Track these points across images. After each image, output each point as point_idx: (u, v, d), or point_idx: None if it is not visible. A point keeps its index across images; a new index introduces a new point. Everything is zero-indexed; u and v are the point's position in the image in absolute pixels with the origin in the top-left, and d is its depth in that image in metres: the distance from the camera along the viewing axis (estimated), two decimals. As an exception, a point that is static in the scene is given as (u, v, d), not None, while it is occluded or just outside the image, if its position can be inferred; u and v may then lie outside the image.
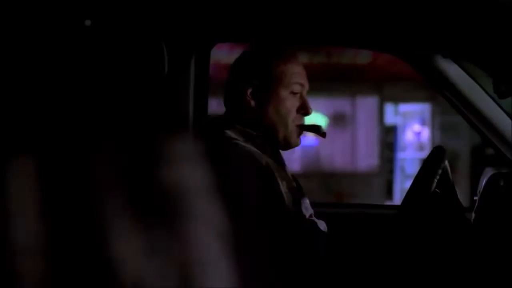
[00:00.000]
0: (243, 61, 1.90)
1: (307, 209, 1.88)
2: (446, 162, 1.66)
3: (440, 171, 1.65)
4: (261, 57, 1.87)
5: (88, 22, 1.29)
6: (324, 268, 1.59)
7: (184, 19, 1.85)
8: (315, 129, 1.92)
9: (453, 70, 2.15)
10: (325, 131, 1.94)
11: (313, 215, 1.89)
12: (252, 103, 1.84)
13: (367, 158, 9.71)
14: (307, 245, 1.69)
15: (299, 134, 1.88)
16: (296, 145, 1.89)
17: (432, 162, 1.69)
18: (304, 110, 1.87)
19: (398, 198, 9.46)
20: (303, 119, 1.88)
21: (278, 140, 1.85)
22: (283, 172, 1.82)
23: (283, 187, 1.76)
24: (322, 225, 1.88)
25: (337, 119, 9.47)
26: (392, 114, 10.35)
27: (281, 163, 1.86)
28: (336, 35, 1.96)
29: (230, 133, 1.80)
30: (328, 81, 8.59)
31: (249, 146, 1.78)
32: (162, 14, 1.75)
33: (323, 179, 9.02)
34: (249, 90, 1.84)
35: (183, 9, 1.73)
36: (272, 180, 1.74)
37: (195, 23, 1.93)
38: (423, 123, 10.20)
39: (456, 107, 2.22)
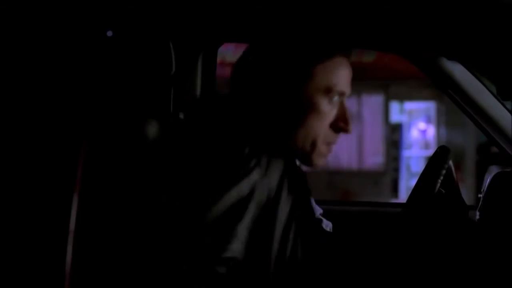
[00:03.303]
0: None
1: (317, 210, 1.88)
2: (450, 162, 1.66)
3: (444, 171, 1.66)
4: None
5: (110, 33, 1.31)
6: (329, 266, 1.59)
7: (191, 18, 1.86)
8: None
9: (457, 70, 2.16)
10: None
11: (321, 215, 1.90)
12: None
13: (372, 156, 9.71)
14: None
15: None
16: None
17: (437, 162, 1.68)
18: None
19: (403, 196, 9.45)
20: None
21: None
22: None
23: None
24: (328, 226, 1.88)
25: (343, 117, 9.45)
26: (398, 112, 10.33)
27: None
28: (342, 36, 1.96)
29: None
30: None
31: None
32: (170, 14, 1.77)
33: (329, 177, 9.02)
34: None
35: (190, 9, 1.74)
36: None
37: (202, 23, 1.94)
38: (428, 121, 10.19)
39: (460, 106, 2.23)
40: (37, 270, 1.23)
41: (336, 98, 1.37)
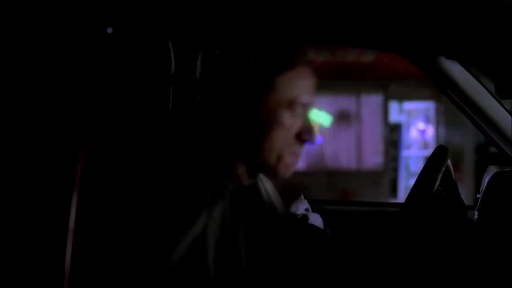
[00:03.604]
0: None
1: (304, 207, 1.89)
2: (449, 162, 1.67)
3: (442, 170, 1.66)
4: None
5: (110, 30, 1.31)
6: (326, 266, 1.59)
7: (191, 19, 1.86)
8: None
9: (456, 70, 2.16)
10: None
11: (308, 210, 1.90)
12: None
13: (371, 156, 9.71)
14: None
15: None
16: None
17: (435, 162, 1.69)
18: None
19: (402, 196, 9.45)
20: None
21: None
22: None
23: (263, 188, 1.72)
24: (316, 219, 1.89)
25: (342, 117, 9.47)
26: (397, 112, 10.34)
27: None
28: (341, 35, 1.96)
29: None
30: (333, 79, 8.59)
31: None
32: (169, 14, 1.77)
33: (328, 177, 9.03)
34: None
35: (189, 9, 1.75)
36: None
37: (202, 23, 1.94)
38: (427, 121, 10.20)
39: (459, 106, 2.23)
40: (36, 269, 1.24)
41: (299, 110, 1.33)
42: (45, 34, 1.49)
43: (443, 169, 1.63)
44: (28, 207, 1.28)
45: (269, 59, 1.32)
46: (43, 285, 1.24)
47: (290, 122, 1.32)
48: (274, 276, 1.38)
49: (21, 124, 1.37)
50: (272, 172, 1.36)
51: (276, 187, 1.61)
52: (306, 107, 1.35)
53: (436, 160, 1.66)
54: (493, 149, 2.27)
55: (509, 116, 2.17)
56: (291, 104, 1.32)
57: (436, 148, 1.71)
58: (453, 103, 2.24)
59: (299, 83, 1.33)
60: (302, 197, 1.98)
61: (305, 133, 1.34)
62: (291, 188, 1.87)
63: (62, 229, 1.24)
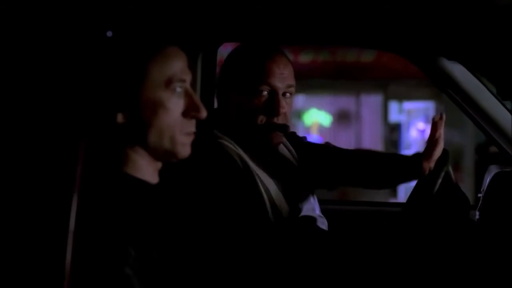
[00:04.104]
0: (229, 59, 1.88)
1: (310, 208, 1.88)
2: (449, 166, 1.67)
3: (443, 173, 1.66)
4: (244, 55, 1.85)
5: (109, 33, 1.31)
6: (327, 266, 1.59)
7: (192, 19, 1.86)
8: (282, 128, 1.83)
9: (457, 70, 2.16)
10: (288, 128, 1.85)
11: (315, 211, 1.90)
12: (233, 101, 1.83)
13: (371, 156, 9.70)
14: (290, 243, 1.66)
15: (269, 133, 1.83)
16: (272, 144, 1.85)
17: (436, 165, 1.69)
18: (271, 111, 1.79)
19: (402, 195, 9.45)
20: (269, 119, 1.81)
21: (249, 140, 1.83)
22: (270, 171, 1.81)
23: (263, 188, 1.74)
24: (323, 223, 1.89)
25: (341, 117, 9.47)
26: (397, 112, 10.34)
27: (268, 162, 1.84)
28: (343, 35, 1.96)
29: (217, 132, 1.81)
30: (332, 78, 8.59)
31: (231, 146, 1.77)
32: (170, 14, 1.76)
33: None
34: (231, 89, 1.84)
35: (190, 9, 1.74)
36: (247, 182, 1.71)
37: (202, 23, 1.94)
38: (427, 121, 10.19)
39: (460, 106, 2.23)
40: (36, 271, 1.23)
41: (178, 88, 1.33)
42: (45, 35, 1.48)
43: (444, 173, 1.63)
44: (29, 208, 1.27)
45: (136, 47, 1.33)
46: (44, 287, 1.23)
47: (172, 102, 1.32)
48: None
49: (21, 125, 1.37)
50: (170, 156, 1.35)
51: None
52: (184, 82, 1.35)
53: (437, 163, 1.66)
54: (493, 148, 2.26)
55: (510, 115, 2.17)
56: (168, 84, 1.32)
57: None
58: (454, 103, 2.24)
59: (170, 63, 1.33)
60: (315, 197, 1.98)
61: (191, 110, 1.34)
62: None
63: (62, 230, 1.23)
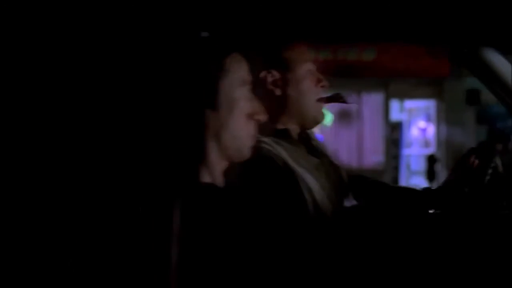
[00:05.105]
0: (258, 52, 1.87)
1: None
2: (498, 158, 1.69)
3: (493, 164, 1.68)
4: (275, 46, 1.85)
5: (205, 34, 1.31)
6: (348, 259, 1.59)
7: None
8: (336, 98, 1.89)
9: (497, 61, 2.09)
10: (344, 97, 1.89)
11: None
12: (277, 91, 1.82)
13: (372, 155, 9.73)
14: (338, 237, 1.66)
15: (322, 108, 1.87)
16: (323, 120, 1.89)
17: (485, 155, 1.70)
18: (321, 83, 1.86)
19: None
20: (322, 93, 1.87)
21: (307, 121, 1.85)
22: (313, 160, 1.81)
23: (306, 188, 1.73)
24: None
25: (343, 116, 9.48)
26: (398, 110, 10.36)
27: (313, 150, 1.86)
28: (391, 30, 1.91)
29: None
30: (334, 77, 8.60)
31: (270, 148, 1.74)
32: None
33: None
34: (271, 79, 1.82)
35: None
36: (288, 183, 1.71)
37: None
38: (428, 119, 10.21)
39: (502, 99, 2.15)
40: (147, 271, 1.23)
41: (247, 90, 1.34)
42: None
43: (493, 164, 1.65)
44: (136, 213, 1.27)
45: (224, 42, 1.33)
46: None
47: (245, 102, 1.33)
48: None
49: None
50: (238, 156, 1.35)
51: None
52: (250, 85, 1.36)
53: (486, 153, 1.67)
54: (499, 146, 2.25)
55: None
56: (242, 84, 1.32)
57: (480, 143, 1.72)
58: (495, 96, 2.16)
59: (243, 64, 1.35)
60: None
61: (254, 112, 1.35)
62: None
63: (167, 234, 1.23)
